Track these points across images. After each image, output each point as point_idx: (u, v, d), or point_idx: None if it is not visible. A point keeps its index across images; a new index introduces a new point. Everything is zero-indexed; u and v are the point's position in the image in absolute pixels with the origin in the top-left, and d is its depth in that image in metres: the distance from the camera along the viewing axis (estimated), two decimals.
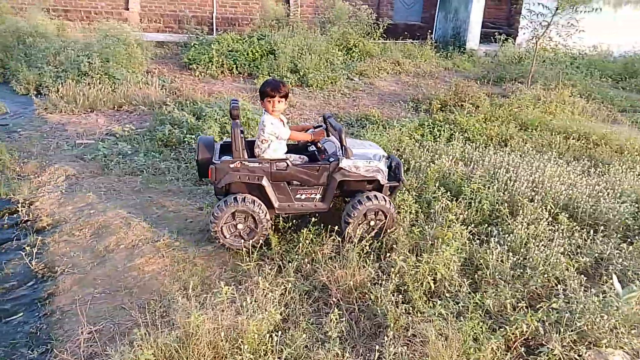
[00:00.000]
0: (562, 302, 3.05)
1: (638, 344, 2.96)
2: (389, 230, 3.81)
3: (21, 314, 3.19)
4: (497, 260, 3.47)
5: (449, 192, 4.40)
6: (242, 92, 8.38)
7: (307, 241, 3.62)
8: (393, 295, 3.08)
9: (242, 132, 3.73)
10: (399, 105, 8.10)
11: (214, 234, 3.70)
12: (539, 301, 3.16)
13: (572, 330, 2.93)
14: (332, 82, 8.93)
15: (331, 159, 3.79)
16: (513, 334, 2.92)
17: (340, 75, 9.22)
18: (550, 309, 3.03)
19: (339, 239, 3.70)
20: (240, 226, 3.72)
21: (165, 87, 8.13)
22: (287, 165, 3.71)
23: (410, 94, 8.65)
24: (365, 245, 3.51)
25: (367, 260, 3.44)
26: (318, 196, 3.86)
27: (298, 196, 3.83)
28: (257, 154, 3.84)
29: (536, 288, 3.36)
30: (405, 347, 2.71)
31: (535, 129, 6.74)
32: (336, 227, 3.75)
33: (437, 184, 4.66)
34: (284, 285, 3.16)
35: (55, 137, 6.15)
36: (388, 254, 3.58)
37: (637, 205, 4.58)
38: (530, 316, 2.93)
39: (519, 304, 3.09)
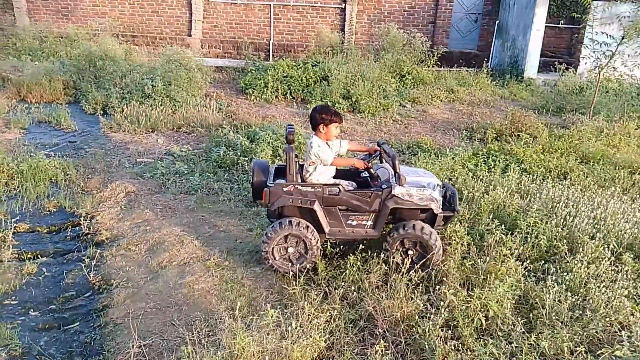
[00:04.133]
0: (627, 350, 2.84)
1: None
2: (435, 263, 3.69)
3: (78, 323, 3.33)
4: (554, 300, 3.29)
5: (503, 225, 4.24)
6: (295, 116, 8.54)
7: (354, 268, 3.59)
8: (442, 330, 2.98)
9: (296, 156, 3.81)
10: (452, 133, 7.98)
11: (264, 254, 3.76)
12: (600, 347, 2.96)
13: None
14: (384, 109, 8.93)
15: (384, 186, 3.77)
16: None
17: (393, 102, 9.21)
18: (613, 357, 2.83)
19: (386, 268, 3.64)
20: (290, 250, 3.76)
21: (222, 111, 8.42)
22: (340, 190, 3.73)
23: (464, 123, 8.50)
24: (414, 276, 3.43)
25: (416, 292, 3.36)
26: (369, 223, 3.83)
27: (349, 222, 3.83)
28: (304, 177, 3.89)
29: (597, 332, 3.15)
30: None
31: (598, 162, 6.42)
32: (382, 255, 3.69)
33: (490, 216, 4.52)
34: (330, 312, 3.13)
35: (118, 155, 6.48)
36: (438, 287, 3.48)
37: None
38: None
39: (578, 348, 2.90)
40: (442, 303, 3.17)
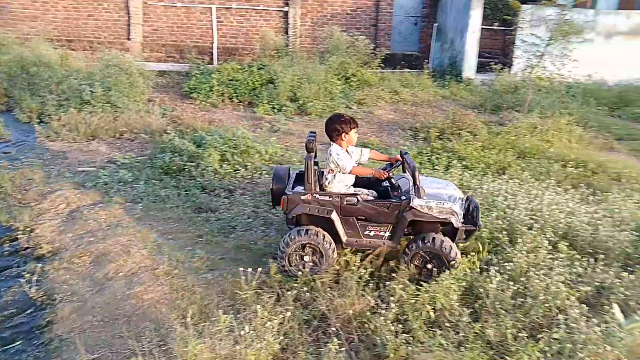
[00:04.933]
0: (564, 332, 3.03)
1: None
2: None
3: (20, 342, 3.16)
4: (498, 290, 3.46)
5: None
6: (243, 120, 8.48)
7: (307, 269, 3.61)
8: (393, 325, 3.05)
9: (316, 164, 3.82)
10: (398, 133, 8.19)
11: (280, 261, 3.73)
12: (540, 331, 3.13)
13: None
14: (331, 111, 9.03)
15: (403, 197, 3.72)
16: None
17: (339, 104, 9.34)
18: (551, 339, 3.00)
19: (338, 267, 3.70)
20: (306, 258, 3.74)
21: (166, 116, 8.23)
22: (358, 200, 3.71)
23: (409, 123, 8.75)
24: (364, 274, 3.49)
25: (367, 289, 3.43)
26: (387, 234, 3.78)
27: (367, 232, 3.80)
28: (323, 185, 3.87)
29: (537, 318, 3.33)
30: None
31: (533, 156, 6.80)
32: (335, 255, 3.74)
33: None
34: (283, 314, 3.13)
35: (57, 164, 6.19)
36: (387, 283, 3.56)
37: (637, 233, 4.58)
38: (532, 347, 2.91)
39: (520, 334, 3.07)
40: (392, 298, 3.26)
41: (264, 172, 5.91)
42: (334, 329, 3.13)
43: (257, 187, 5.54)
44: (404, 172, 4.06)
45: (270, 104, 9.07)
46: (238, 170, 5.96)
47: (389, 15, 14.34)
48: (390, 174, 3.89)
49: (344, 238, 3.74)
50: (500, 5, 12.65)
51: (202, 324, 3.00)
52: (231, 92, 9.65)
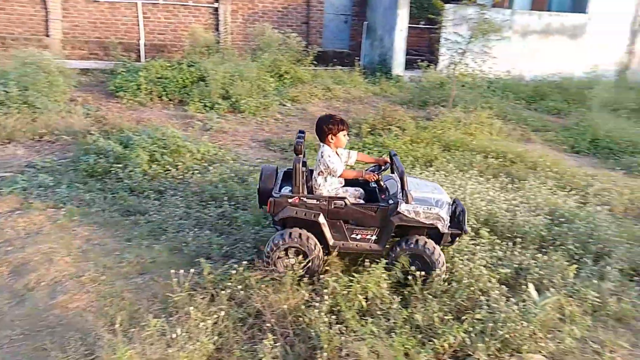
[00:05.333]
0: (486, 313, 3.23)
1: (554, 346, 3.19)
2: (439, 279, 3.61)
3: None
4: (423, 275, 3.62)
5: None
6: (173, 119, 8.24)
7: (241, 268, 3.59)
8: (326, 317, 3.12)
9: (304, 164, 3.74)
10: None
11: (266, 262, 3.66)
12: (465, 313, 3.32)
13: (495, 339, 3.10)
14: (264, 108, 9.01)
15: (390, 201, 3.71)
16: (441, 346, 3.04)
17: (273, 102, 9.33)
18: (474, 320, 3.20)
19: (274, 266, 3.70)
20: (292, 261, 3.67)
21: (90, 116, 7.83)
22: (345, 204, 3.68)
23: None
24: (299, 269, 3.53)
25: (301, 283, 3.47)
26: (374, 237, 3.77)
27: (353, 236, 3.77)
28: (313, 187, 3.84)
29: (462, 300, 3.53)
30: None
31: (458, 149, 7.15)
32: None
33: None
34: (217, 314, 3.11)
35: None
36: (322, 276, 3.63)
37: (550, 217, 4.96)
38: (457, 328, 3.08)
39: (446, 317, 3.23)
40: (325, 291, 3.32)
41: (196, 171, 5.80)
42: (269, 325, 3.14)
43: (189, 187, 5.42)
44: (392, 173, 4.05)
45: (201, 102, 8.89)
46: (168, 170, 5.80)
47: (320, 13, 14.48)
48: (380, 177, 3.88)
49: (330, 241, 3.73)
50: (425, 4, 13.13)
51: (132, 330, 2.91)
52: (160, 91, 9.34)
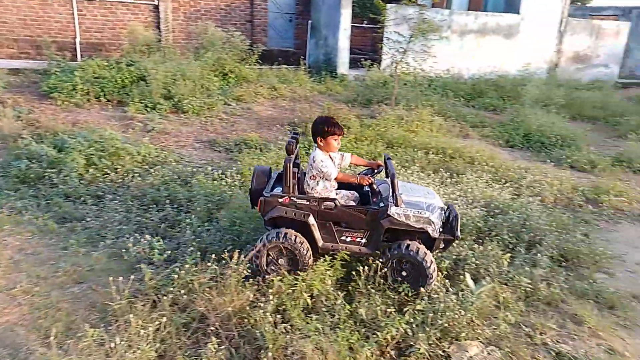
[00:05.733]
0: (426, 304, 3.35)
1: (490, 332, 3.35)
2: (429, 285, 3.60)
3: None
4: (370, 271, 3.70)
5: None
6: (112, 120, 7.94)
7: (183, 272, 3.52)
8: (272, 316, 3.12)
9: (297, 165, 3.67)
10: (277, 128, 8.29)
11: (255, 261, 3.64)
12: (407, 305, 3.42)
13: (436, 329, 3.22)
14: (208, 108, 8.85)
15: (381, 204, 3.68)
16: (385, 338, 3.12)
17: (217, 101, 9.18)
18: (416, 311, 3.30)
19: (217, 267, 3.65)
20: (281, 261, 3.65)
21: (22, 119, 7.40)
22: (335, 205, 3.64)
23: (287, 118, 8.90)
24: (243, 270, 3.51)
25: (246, 284, 3.44)
26: (364, 240, 3.73)
27: (343, 238, 3.73)
28: (306, 191, 3.77)
29: (405, 294, 3.64)
30: None
31: (400, 146, 7.34)
32: (213, 256, 3.68)
33: None
34: (159, 320, 3.04)
35: None
36: (267, 276, 3.62)
37: (486, 209, 5.19)
38: (399, 320, 3.17)
39: (389, 309, 3.32)
40: (270, 291, 3.32)
41: (137, 174, 5.62)
42: (213, 328, 3.11)
43: (128, 191, 5.25)
44: (387, 177, 4.00)
45: (142, 103, 8.61)
46: (107, 174, 5.59)
47: (264, 11, 14.39)
48: (373, 180, 3.86)
49: (320, 242, 3.70)
50: (368, 3, 13.35)
51: (68, 342, 2.79)
52: (98, 91, 8.96)
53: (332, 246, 3.73)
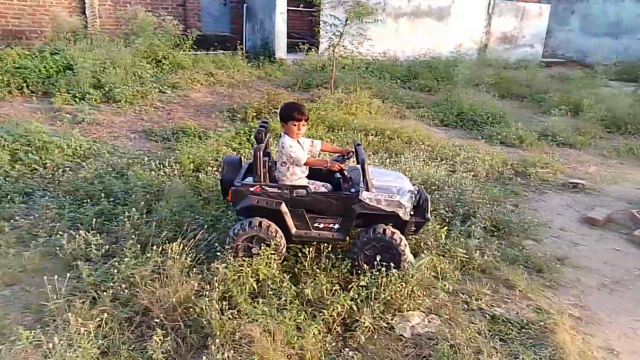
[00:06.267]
0: (369, 279, 3.46)
1: (430, 302, 3.53)
2: (403, 268, 3.64)
3: None
4: (312, 253, 3.76)
5: None
6: (37, 113, 7.46)
7: (123, 266, 3.42)
8: (218, 304, 3.11)
9: (267, 154, 3.61)
10: (215, 115, 8.13)
11: (229, 251, 3.60)
12: (351, 282, 3.51)
13: (379, 302, 3.35)
14: (142, 97, 8.52)
15: (352, 190, 3.69)
16: (331, 315, 3.21)
17: (151, 89, 8.85)
18: (359, 287, 3.41)
19: (160, 259, 3.57)
20: (254, 250, 3.61)
21: None
22: (307, 192, 3.64)
23: (226, 104, 8.75)
24: (186, 259, 3.46)
25: (190, 274, 3.40)
26: (336, 226, 3.74)
27: (316, 225, 3.73)
28: (277, 178, 3.77)
29: (349, 272, 3.74)
30: (233, 351, 2.78)
31: (341, 129, 7.43)
32: (155, 247, 3.59)
33: None
34: (100, 317, 2.95)
35: None
36: (211, 264, 3.58)
37: (424, 186, 5.38)
38: (344, 297, 3.26)
39: (334, 288, 3.41)
40: (215, 278, 3.30)
41: (68, 168, 5.34)
42: (157, 320, 3.05)
43: (60, 186, 4.98)
44: (357, 163, 3.96)
45: (70, 93, 8.14)
46: (35, 169, 5.28)
47: None
48: (344, 166, 3.85)
49: (292, 230, 3.68)
50: None
51: (1, 347, 2.66)
52: (20, 82, 8.37)
53: (305, 233, 3.75)
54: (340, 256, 3.85)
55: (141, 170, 5.22)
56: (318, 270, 3.62)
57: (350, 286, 3.41)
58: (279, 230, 3.67)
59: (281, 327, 2.95)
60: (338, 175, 4.01)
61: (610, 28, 18.43)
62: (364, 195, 3.65)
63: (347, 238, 3.87)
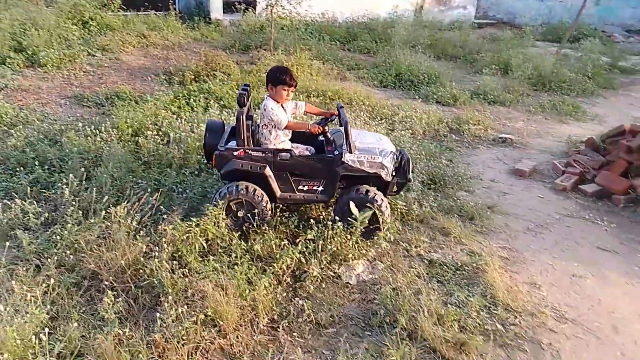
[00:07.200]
0: (316, 233, 3.60)
1: (373, 251, 3.74)
2: (384, 228, 3.76)
3: None
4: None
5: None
6: None
7: (66, 232, 3.35)
8: (168, 264, 3.15)
9: (250, 117, 3.67)
10: (151, 79, 7.83)
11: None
12: (299, 237, 3.64)
13: (326, 254, 3.51)
14: (70, 60, 8.02)
15: (335, 152, 3.72)
16: (281, 268, 3.34)
17: (80, 52, 8.34)
18: (307, 241, 3.54)
19: (107, 224, 3.51)
20: (240, 213, 3.68)
21: None
22: (291, 155, 3.67)
23: (162, 67, 8.43)
24: (132, 222, 3.44)
25: (138, 237, 3.39)
26: (320, 188, 3.80)
27: (300, 187, 3.79)
28: (260, 141, 3.79)
29: (296, 227, 3.87)
30: (186, 307, 2.85)
31: None
32: (102, 212, 3.53)
33: (200, 152, 4.81)
34: (46, 283, 2.91)
35: None
36: (159, 226, 3.57)
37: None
38: (292, 250, 3.39)
39: (283, 242, 3.52)
40: (164, 240, 3.31)
41: None
42: (107, 283, 3.05)
43: None
44: (340, 125, 3.94)
45: None
46: None
47: None
48: (326, 129, 3.82)
49: (277, 193, 3.72)
50: None
51: None
52: None
53: (289, 196, 3.82)
54: (287, 213, 3.97)
55: (76, 137, 5.01)
56: (267, 227, 3.72)
57: (298, 240, 3.54)
58: (265, 195, 3.72)
59: (232, 281, 3.05)
60: (321, 138, 4.01)
61: None
62: (347, 157, 3.71)
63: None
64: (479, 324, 3.08)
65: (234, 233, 3.55)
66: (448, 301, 3.30)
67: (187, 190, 4.30)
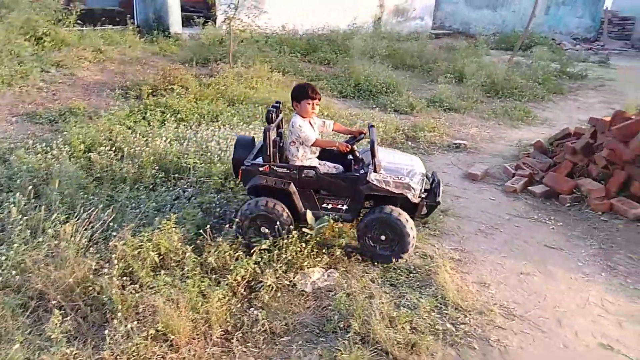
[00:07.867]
0: (271, 243, 3.62)
1: (327, 258, 3.78)
2: (408, 250, 3.75)
3: None
4: (215, 225, 3.85)
5: (164, 173, 4.57)
6: None
7: (12, 252, 3.26)
8: (119, 280, 3.11)
9: (279, 135, 3.75)
10: (107, 94, 7.73)
11: (237, 229, 3.73)
12: (253, 247, 3.65)
13: (281, 263, 3.53)
14: (22, 77, 7.83)
15: (361, 171, 3.70)
16: (235, 280, 3.34)
17: (32, 68, 8.15)
18: (261, 251, 3.56)
19: (55, 242, 3.44)
20: (262, 229, 3.65)
21: None
22: (315, 173, 3.67)
23: (118, 82, 8.33)
24: (82, 239, 3.38)
25: (87, 254, 3.34)
26: (345, 207, 3.76)
27: (324, 205, 3.78)
28: (288, 158, 3.83)
29: (249, 237, 3.87)
30: (136, 322, 2.82)
31: (241, 103, 7.44)
32: (50, 230, 3.44)
33: (154, 166, 4.78)
34: None
35: None
36: (110, 243, 3.52)
37: None
38: (247, 261, 3.40)
39: (237, 254, 3.53)
40: (114, 256, 3.27)
41: None
42: (54, 302, 2.99)
43: None
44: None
45: None
46: None
47: None
48: (355, 147, 3.79)
49: (301, 211, 3.69)
50: None
51: None
52: None
53: (313, 214, 3.80)
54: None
55: (25, 155, 4.89)
56: (221, 239, 3.71)
57: (252, 251, 3.55)
58: (286, 210, 3.71)
59: (185, 294, 3.03)
60: (350, 156, 3.98)
61: (489, 1, 19.97)
62: (372, 177, 3.65)
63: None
64: (429, 325, 3.16)
65: (187, 246, 3.53)
66: (400, 304, 3.37)
67: (142, 205, 4.25)
